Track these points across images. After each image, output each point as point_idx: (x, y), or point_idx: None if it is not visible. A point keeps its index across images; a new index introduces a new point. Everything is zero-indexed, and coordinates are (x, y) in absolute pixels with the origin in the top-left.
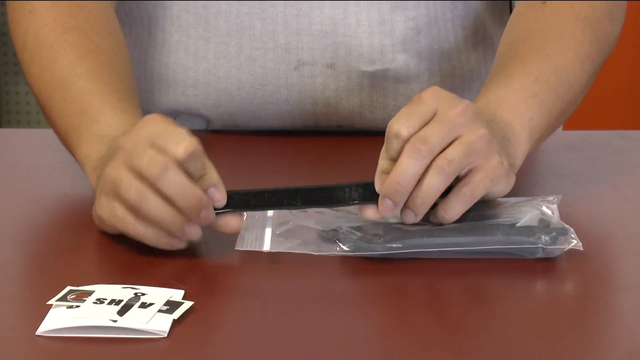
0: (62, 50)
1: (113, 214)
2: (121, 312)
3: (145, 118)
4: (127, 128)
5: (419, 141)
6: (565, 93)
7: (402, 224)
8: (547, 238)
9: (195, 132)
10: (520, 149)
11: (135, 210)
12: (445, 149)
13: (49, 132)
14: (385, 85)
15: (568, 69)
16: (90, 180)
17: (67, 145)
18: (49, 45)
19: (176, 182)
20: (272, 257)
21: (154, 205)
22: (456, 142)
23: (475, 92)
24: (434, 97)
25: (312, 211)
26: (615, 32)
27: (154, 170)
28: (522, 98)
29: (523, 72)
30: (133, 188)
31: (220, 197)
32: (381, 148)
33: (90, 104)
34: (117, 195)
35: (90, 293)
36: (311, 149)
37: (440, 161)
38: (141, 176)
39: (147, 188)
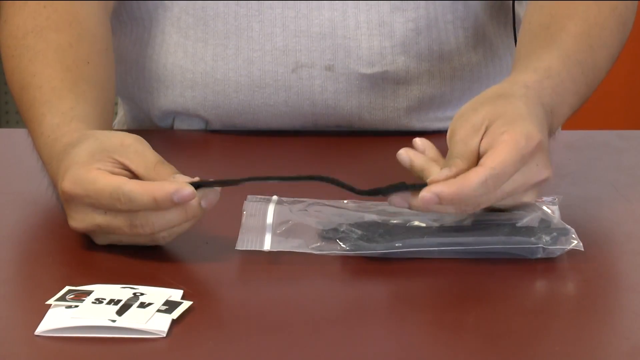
0: (18, 59)
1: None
2: (120, 312)
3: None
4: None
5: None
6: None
7: (404, 223)
8: (548, 238)
9: (193, 132)
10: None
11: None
12: None
13: None
14: (384, 86)
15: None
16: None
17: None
18: (11, 56)
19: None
20: (272, 257)
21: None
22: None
23: (476, 94)
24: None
25: (312, 210)
26: (623, 37)
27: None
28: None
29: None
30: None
31: (183, 196)
32: (380, 147)
33: (31, 119)
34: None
35: (89, 293)
36: (310, 149)
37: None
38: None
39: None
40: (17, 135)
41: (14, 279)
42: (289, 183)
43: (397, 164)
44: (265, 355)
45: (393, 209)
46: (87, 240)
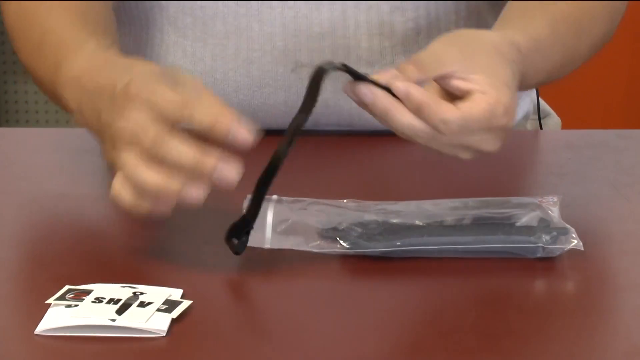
0: (37, 14)
1: (132, 165)
2: (120, 311)
3: (135, 67)
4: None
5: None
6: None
7: (403, 222)
8: (548, 237)
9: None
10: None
11: (159, 156)
12: None
13: (49, 132)
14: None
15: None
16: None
17: (54, 92)
18: (23, 17)
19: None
20: (272, 255)
21: (179, 149)
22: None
23: None
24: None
25: (312, 209)
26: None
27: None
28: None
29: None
30: (151, 132)
31: (243, 136)
32: (380, 148)
33: (61, 46)
34: (136, 144)
35: (88, 292)
36: (310, 149)
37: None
38: (162, 118)
39: (168, 131)
40: (17, 135)
41: (14, 278)
42: (288, 184)
43: (397, 163)
44: (265, 354)
45: (393, 208)
46: (86, 240)
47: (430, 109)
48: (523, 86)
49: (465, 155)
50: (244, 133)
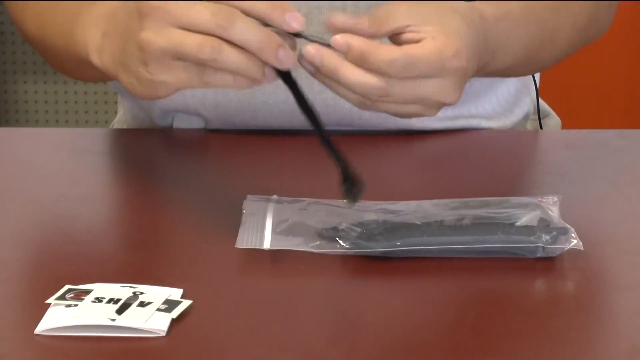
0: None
1: (178, 77)
2: (120, 311)
3: None
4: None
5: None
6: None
7: (404, 222)
8: (548, 237)
9: (193, 132)
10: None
11: (207, 65)
12: None
13: (49, 132)
14: None
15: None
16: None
17: (72, 47)
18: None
19: (247, 27)
20: (272, 255)
21: (231, 57)
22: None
23: (477, 93)
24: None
25: (312, 209)
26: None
27: (222, 21)
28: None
29: None
30: (206, 45)
31: (297, 20)
32: (380, 148)
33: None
34: (179, 57)
35: (88, 292)
36: (310, 149)
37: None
38: (205, 30)
39: (219, 40)
40: (17, 135)
41: (14, 278)
42: (288, 184)
43: (397, 163)
44: (265, 354)
45: (393, 208)
46: (86, 240)
47: (373, 54)
48: (500, 58)
49: (429, 112)
50: (297, 15)
